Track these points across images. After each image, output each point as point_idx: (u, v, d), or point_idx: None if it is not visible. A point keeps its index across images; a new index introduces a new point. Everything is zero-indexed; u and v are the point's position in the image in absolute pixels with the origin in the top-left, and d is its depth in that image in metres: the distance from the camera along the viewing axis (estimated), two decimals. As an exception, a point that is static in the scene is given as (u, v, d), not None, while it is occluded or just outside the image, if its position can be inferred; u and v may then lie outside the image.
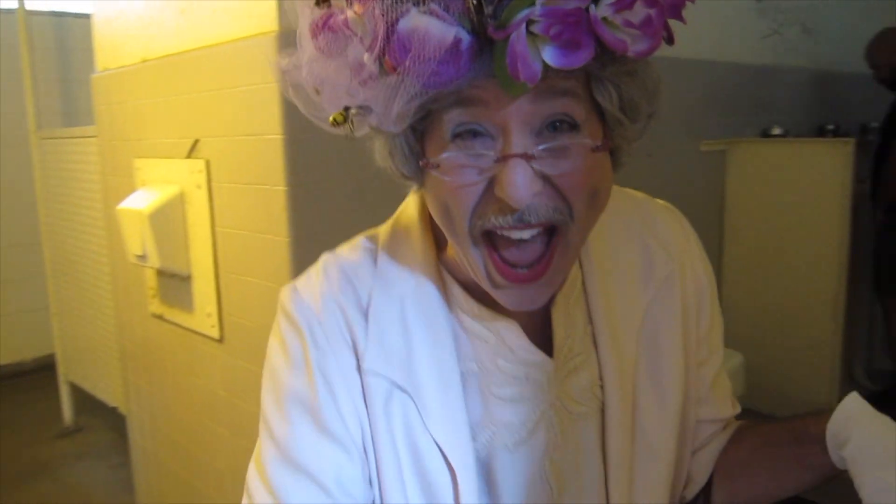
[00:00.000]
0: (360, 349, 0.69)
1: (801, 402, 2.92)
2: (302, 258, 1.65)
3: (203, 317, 1.99)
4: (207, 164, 1.88)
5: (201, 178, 1.89)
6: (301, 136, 1.62)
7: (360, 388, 0.69)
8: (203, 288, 1.97)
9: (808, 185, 2.79)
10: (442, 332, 0.70)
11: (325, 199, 1.68)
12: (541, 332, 0.72)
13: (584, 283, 0.74)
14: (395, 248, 0.74)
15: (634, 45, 0.55)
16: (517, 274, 0.62)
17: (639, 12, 0.53)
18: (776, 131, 3.11)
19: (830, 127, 3.52)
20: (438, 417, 0.68)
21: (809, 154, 2.80)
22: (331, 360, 0.69)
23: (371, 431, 0.69)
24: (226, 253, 1.88)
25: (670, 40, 0.58)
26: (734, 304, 3.06)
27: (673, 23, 0.58)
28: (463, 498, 0.67)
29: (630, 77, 0.60)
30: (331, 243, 1.68)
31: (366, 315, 0.70)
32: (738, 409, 0.84)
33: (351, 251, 0.77)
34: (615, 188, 0.69)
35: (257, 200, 1.71)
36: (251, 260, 1.77)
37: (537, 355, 0.71)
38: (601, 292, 0.73)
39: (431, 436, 0.68)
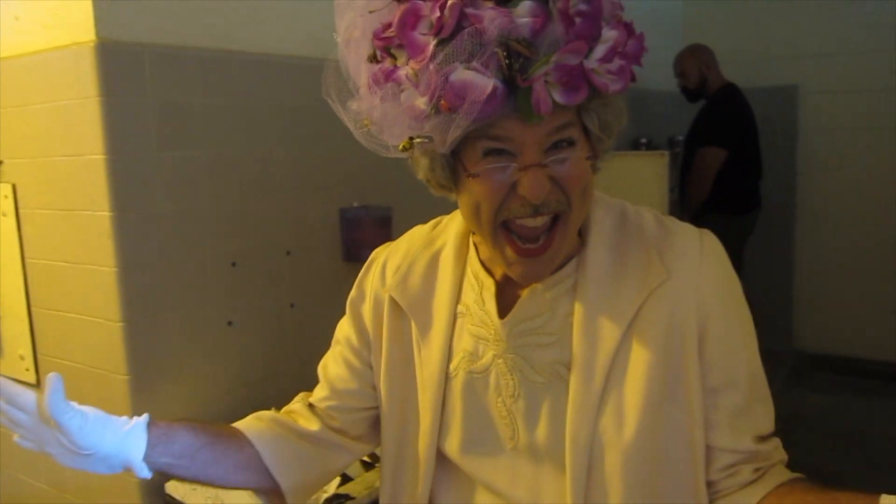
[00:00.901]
0: (388, 281, 1.00)
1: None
2: (132, 288, 1.51)
3: (14, 360, 1.77)
4: (14, 188, 1.68)
5: (7, 205, 1.69)
6: (126, 156, 1.49)
7: (381, 309, 1.00)
8: (13, 328, 1.75)
9: (630, 196, 2.93)
10: (455, 280, 0.97)
11: (155, 224, 1.55)
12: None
13: (577, 283, 0.90)
14: (448, 222, 1.03)
15: (613, 86, 0.79)
16: (527, 249, 0.84)
17: (616, 63, 0.79)
18: (597, 145, 3.28)
19: (644, 140, 3.79)
20: (426, 339, 0.96)
21: (630, 166, 2.97)
22: (358, 294, 1.06)
23: (379, 338, 1.00)
24: (40, 287, 1.69)
25: (633, 79, 0.82)
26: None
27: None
28: (421, 404, 0.95)
29: (606, 107, 0.83)
30: (164, 270, 1.57)
31: (403, 262, 1.00)
32: (780, 455, 0.91)
33: (430, 222, 1.07)
34: (657, 213, 0.95)
35: (77, 228, 1.55)
36: (72, 293, 1.60)
37: (490, 309, 0.93)
38: (590, 293, 0.88)
39: (420, 351, 0.96)
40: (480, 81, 0.73)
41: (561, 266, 0.90)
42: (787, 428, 0.96)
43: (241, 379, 1.75)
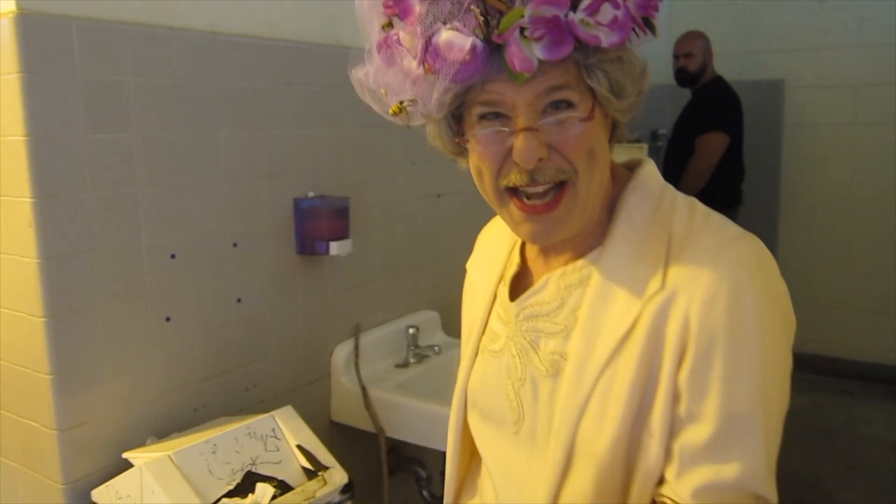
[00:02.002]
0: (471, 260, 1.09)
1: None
2: (57, 281, 1.40)
3: (-62, 354, 1.65)
4: (-64, 171, 1.56)
5: (-72, 188, 1.57)
6: (50, 138, 1.37)
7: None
8: (-63, 319, 1.64)
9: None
10: (501, 263, 1.00)
11: (84, 212, 1.44)
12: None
13: (591, 276, 0.86)
14: None
15: (607, 38, 0.73)
16: (533, 206, 0.81)
17: (607, 13, 0.72)
18: (577, 137, 3.19)
19: (626, 133, 3.70)
20: (471, 314, 1.03)
21: (607, 159, 2.88)
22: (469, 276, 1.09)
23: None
24: (-37, 277, 1.57)
25: (652, 32, 0.77)
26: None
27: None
28: (462, 368, 1.01)
29: (616, 63, 0.77)
30: (94, 262, 1.46)
31: (484, 239, 1.09)
32: None
33: None
34: (697, 209, 0.86)
35: (-3, 214, 1.43)
36: (-7, 285, 1.49)
37: (505, 295, 0.96)
38: (600, 292, 0.84)
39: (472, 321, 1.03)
40: (458, 41, 0.72)
41: (587, 251, 0.88)
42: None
43: (181, 379, 1.65)
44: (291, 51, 1.84)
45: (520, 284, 0.95)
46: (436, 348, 2.22)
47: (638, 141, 3.61)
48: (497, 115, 0.78)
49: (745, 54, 4.27)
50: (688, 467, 0.79)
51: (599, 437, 0.80)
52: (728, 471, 0.77)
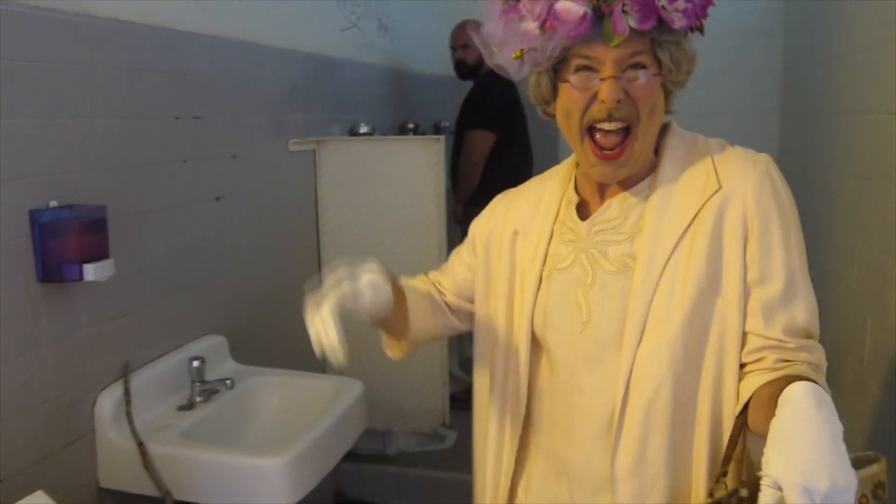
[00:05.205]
0: (510, 214, 1.27)
1: (421, 409, 2.81)
2: None
3: None
4: None
5: None
6: None
7: (489, 235, 1.29)
8: None
9: (405, 182, 2.66)
10: (555, 203, 1.23)
11: None
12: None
13: (649, 196, 1.12)
14: (559, 167, 1.29)
15: (679, 22, 1.03)
16: (604, 154, 1.08)
17: (681, 3, 1.02)
18: (363, 129, 2.94)
19: (411, 125, 3.51)
20: (529, 251, 1.21)
21: (402, 152, 2.66)
22: (480, 223, 1.32)
23: (492, 253, 1.27)
24: None
25: (701, 30, 1.07)
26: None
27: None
28: (526, 298, 1.19)
29: (677, 45, 1.08)
30: None
31: (521, 199, 1.28)
32: (810, 357, 1.02)
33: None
34: (724, 142, 1.15)
35: None
36: None
37: (573, 217, 1.19)
38: (659, 203, 1.10)
39: (519, 260, 1.23)
40: (574, 8, 0.99)
41: (637, 182, 1.13)
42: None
43: None
44: (14, 15, 1.40)
45: (579, 213, 1.18)
46: (227, 382, 1.86)
47: (424, 132, 3.46)
48: (589, 69, 1.05)
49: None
50: (771, 316, 1.03)
51: (671, 312, 1.04)
52: (799, 315, 1.04)
